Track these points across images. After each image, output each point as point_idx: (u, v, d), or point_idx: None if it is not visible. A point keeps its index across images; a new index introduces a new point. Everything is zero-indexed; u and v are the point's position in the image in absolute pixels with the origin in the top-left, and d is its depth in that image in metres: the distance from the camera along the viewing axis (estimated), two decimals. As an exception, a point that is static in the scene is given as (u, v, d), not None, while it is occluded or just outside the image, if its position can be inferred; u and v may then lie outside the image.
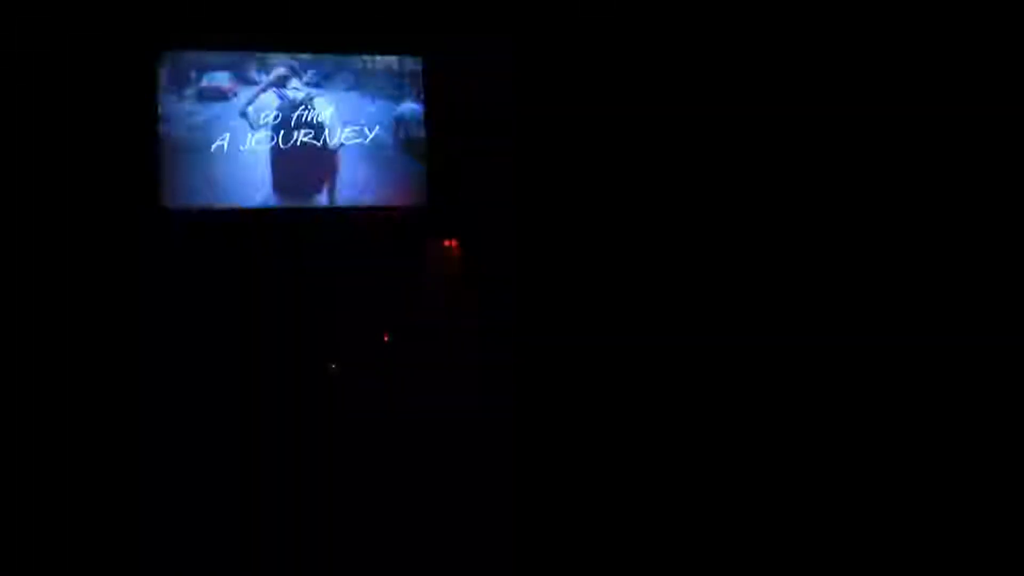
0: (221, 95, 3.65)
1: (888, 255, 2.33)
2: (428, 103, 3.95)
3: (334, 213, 3.83)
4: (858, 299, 2.39)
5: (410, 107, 3.96)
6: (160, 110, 3.54)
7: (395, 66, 3.95)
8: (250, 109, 3.70)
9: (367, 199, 3.88)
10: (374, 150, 3.91)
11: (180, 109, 3.58)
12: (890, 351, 2.29)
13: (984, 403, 2.10)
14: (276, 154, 3.75)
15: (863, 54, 2.38)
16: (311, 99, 3.80)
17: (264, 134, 3.72)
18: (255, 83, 3.72)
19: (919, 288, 2.25)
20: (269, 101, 3.74)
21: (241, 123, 3.68)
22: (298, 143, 3.78)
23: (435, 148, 3.95)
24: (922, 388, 2.19)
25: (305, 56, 3.80)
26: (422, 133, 3.97)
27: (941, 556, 2.05)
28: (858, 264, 2.40)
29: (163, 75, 3.55)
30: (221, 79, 3.65)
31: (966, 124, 2.17)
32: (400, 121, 3.95)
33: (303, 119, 3.79)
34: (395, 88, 3.94)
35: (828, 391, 2.41)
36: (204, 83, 3.62)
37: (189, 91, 3.59)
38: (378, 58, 3.92)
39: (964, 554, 2.02)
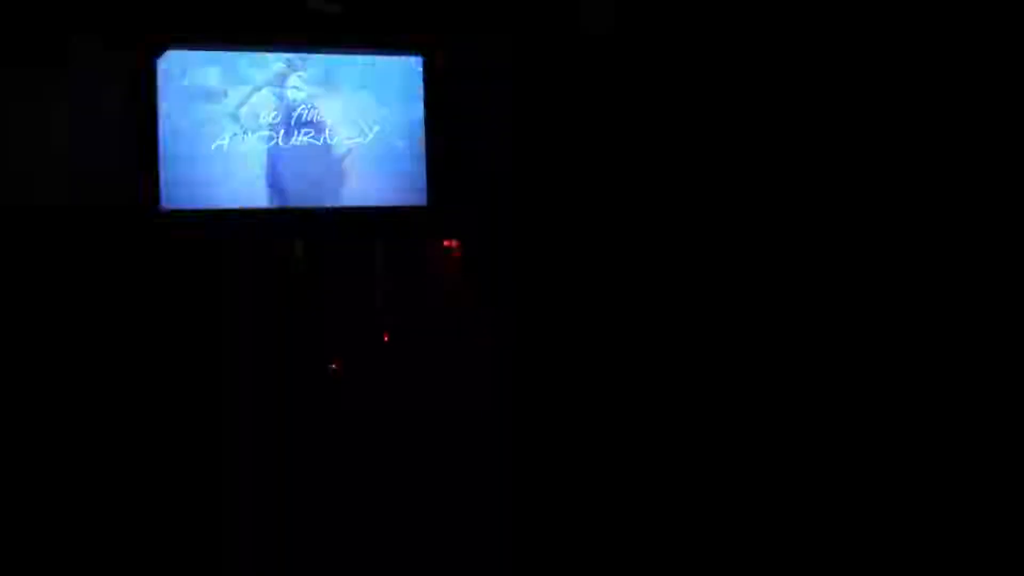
0: (220, 94, 3.65)
1: (887, 254, 2.32)
2: (428, 103, 3.96)
3: (335, 214, 3.83)
4: (858, 298, 2.38)
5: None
6: (159, 109, 3.54)
7: (413, 66, 3.95)
8: (243, 110, 3.69)
9: (370, 200, 3.88)
10: (381, 150, 3.90)
11: (180, 108, 3.58)
12: (889, 350, 2.27)
13: (984, 403, 2.09)
14: (278, 154, 3.75)
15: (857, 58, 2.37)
16: (314, 98, 3.80)
17: (266, 133, 3.72)
18: (253, 80, 3.72)
19: (918, 288, 2.23)
20: (270, 100, 3.74)
21: (244, 122, 3.68)
22: (300, 143, 3.78)
23: (435, 148, 3.95)
24: (920, 387, 2.18)
25: (310, 54, 3.80)
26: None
27: (940, 556, 2.03)
28: (859, 263, 2.39)
29: (161, 74, 3.55)
30: (220, 77, 3.65)
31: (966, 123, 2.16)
32: (417, 122, 3.95)
33: (303, 118, 3.79)
34: (410, 89, 3.94)
35: (828, 390, 2.40)
36: (204, 82, 3.62)
37: (188, 90, 3.59)
38: (394, 57, 3.92)
39: (964, 554, 2.01)
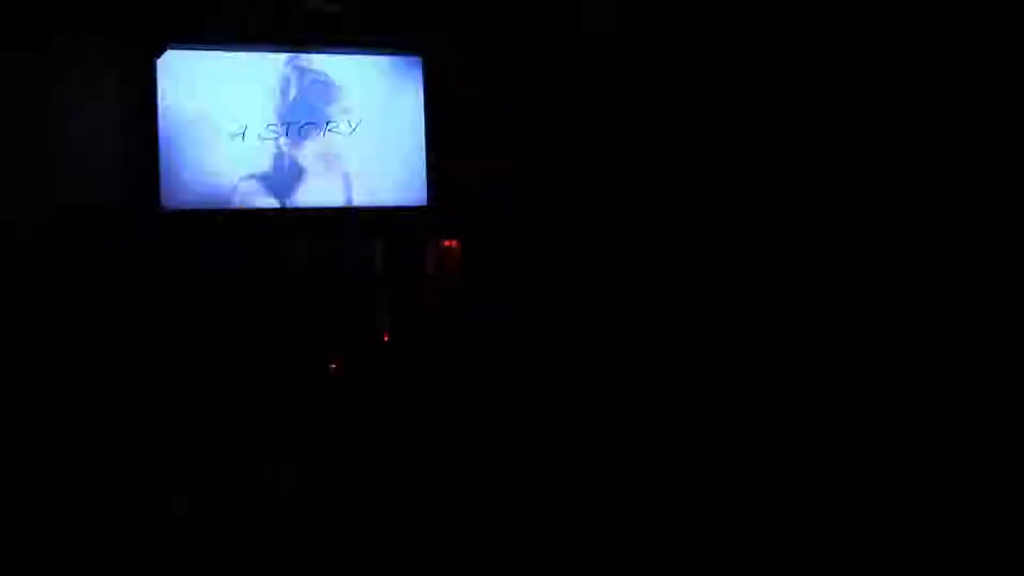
0: (219, 94, 3.65)
1: (893, 252, 2.32)
2: (428, 102, 3.96)
3: (335, 213, 3.82)
4: (862, 298, 2.38)
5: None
6: (158, 108, 3.53)
7: (413, 66, 3.94)
8: (242, 110, 3.69)
9: (370, 199, 3.88)
10: (381, 150, 3.90)
11: (179, 107, 3.57)
12: (892, 350, 2.27)
13: (984, 403, 2.09)
14: (277, 153, 3.74)
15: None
16: (314, 98, 3.80)
17: (265, 132, 3.72)
18: (253, 80, 3.71)
19: (922, 287, 2.23)
20: (269, 99, 3.73)
21: (243, 121, 3.68)
22: (300, 142, 3.77)
23: (435, 148, 3.95)
24: (922, 388, 2.18)
25: (310, 54, 3.80)
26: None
27: (940, 557, 2.03)
28: (864, 264, 2.39)
29: (161, 73, 3.55)
30: (220, 77, 3.65)
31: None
32: (417, 122, 3.95)
33: (303, 118, 3.79)
34: (410, 89, 3.94)
35: (831, 390, 2.40)
36: (203, 82, 3.62)
37: (188, 90, 3.59)
38: (394, 57, 3.92)
39: (964, 555, 2.01)
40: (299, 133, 3.77)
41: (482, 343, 3.56)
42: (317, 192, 3.81)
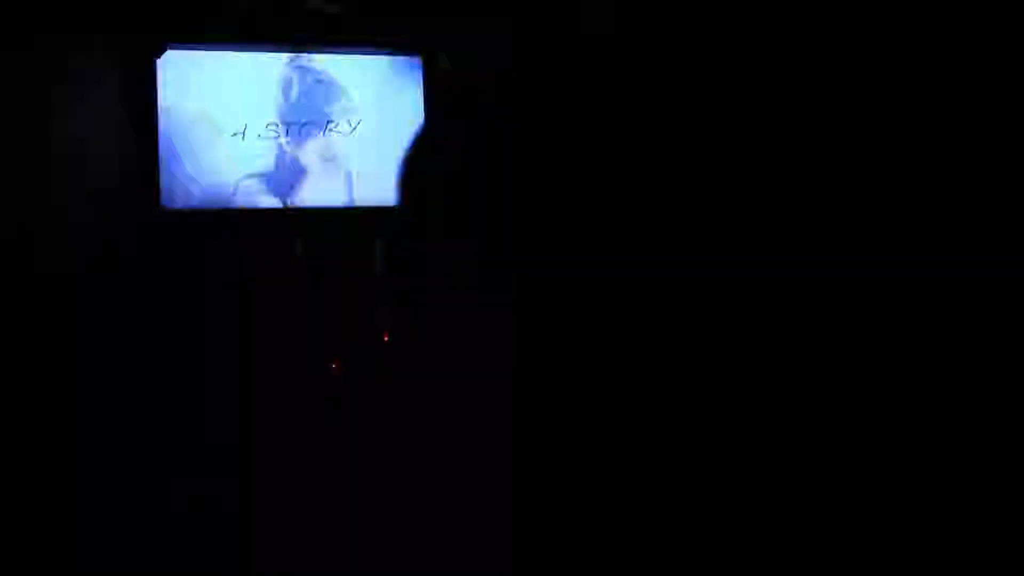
0: (219, 94, 3.64)
1: (892, 252, 2.31)
2: (428, 102, 3.95)
3: (335, 213, 3.82)
4: (862, 299, 2.37)
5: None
6: (158, 108, 3.53)
7: (413, 66, 3.93)
8: (242, 110, 3.68)
9: (370, 200, 3.87)
10: (381, 150, 3.89)
11: (179, 107, 3.57)
12: (892, 349, 2.26)
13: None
14: (278, 153, 3.74)
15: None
16: (313, 98, 3.79)
17: (266, 132, 3.71)
18: (253, 80, 3.71)
19: (922, 287, 2.22)
20: (269, 100, 3.73)
21: (244, 121, 3.67)
22: (300, 142, 3.77)
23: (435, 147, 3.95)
24: (922, 388, 2.17)
25: (310, 53, 3.79)
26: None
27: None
28: (863, 264, 2.38)
29: (161, 73, 3.54)
30: (220, 77, 3.64)
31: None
32: (417, 122, 3.93)
33: (303, 118, 3.78)
34: (411, 89, 3.92)
35: (831, 393, 2.39)
36: (203, 82, 3.61)
37: (188, 90, 3.58)
38: (394, 57, 3.91)
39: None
40: (300, 132, 3.77)
41: (483, 343, 3.55)
42: (318, 192, 3.80)
